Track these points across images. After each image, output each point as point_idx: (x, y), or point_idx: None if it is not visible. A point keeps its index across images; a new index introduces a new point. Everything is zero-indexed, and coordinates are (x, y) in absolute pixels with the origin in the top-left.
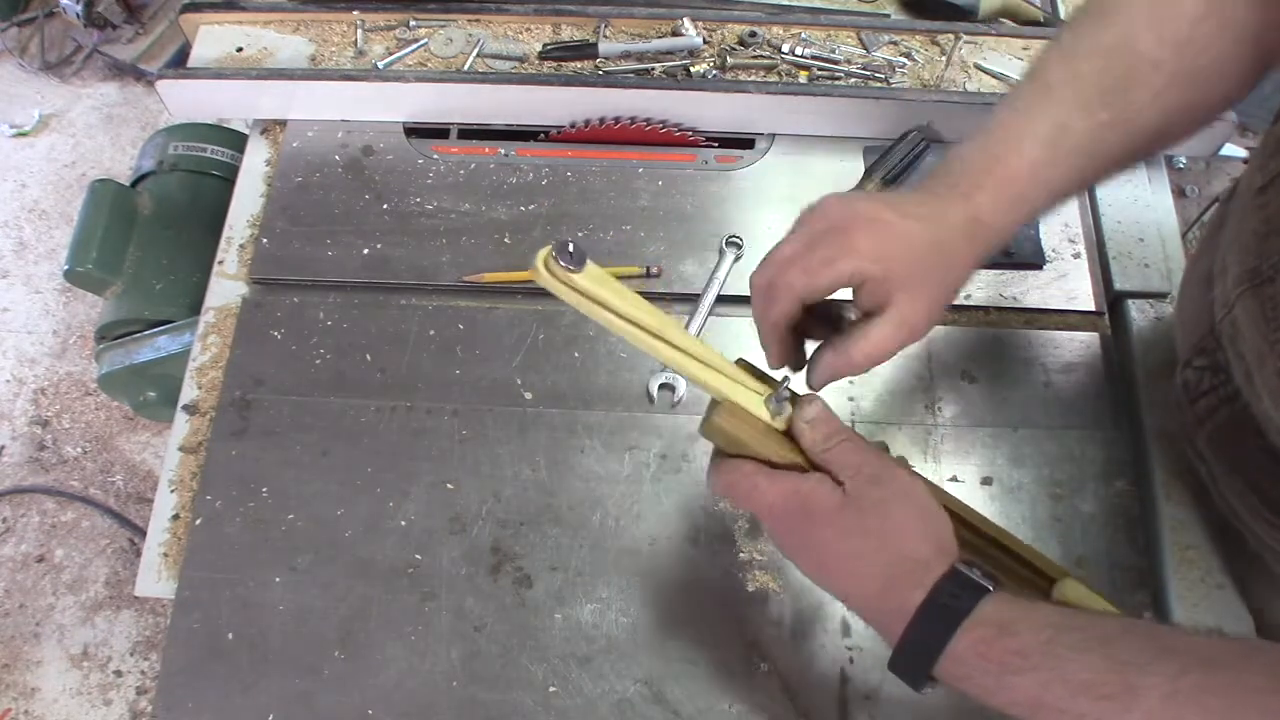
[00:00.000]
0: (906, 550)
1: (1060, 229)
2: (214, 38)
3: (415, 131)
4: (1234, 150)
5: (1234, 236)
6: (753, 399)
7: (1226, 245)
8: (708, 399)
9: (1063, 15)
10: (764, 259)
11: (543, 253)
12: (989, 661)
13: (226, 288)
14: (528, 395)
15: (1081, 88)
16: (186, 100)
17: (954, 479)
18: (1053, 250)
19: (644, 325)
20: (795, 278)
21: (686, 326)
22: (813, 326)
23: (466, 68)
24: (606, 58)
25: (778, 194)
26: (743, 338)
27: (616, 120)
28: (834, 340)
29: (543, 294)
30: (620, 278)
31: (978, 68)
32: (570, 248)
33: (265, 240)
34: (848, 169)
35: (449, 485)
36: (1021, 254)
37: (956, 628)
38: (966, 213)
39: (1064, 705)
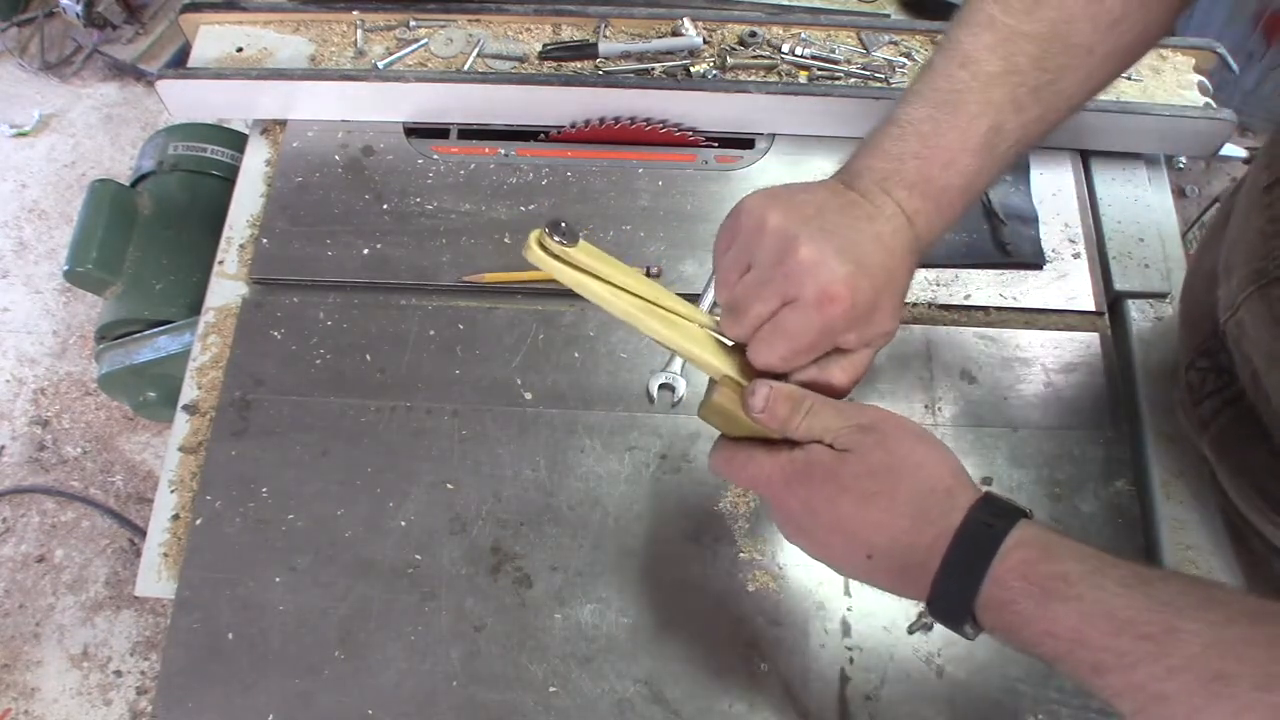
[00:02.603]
0: (926, 480)
1: (1060, 229)
2: (214, 38)
3: (415, 131)
4: (1234, 150)
5: (1239, 236)
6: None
7: (1231, 245)
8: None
9: None
10: (731, 304)
11: (535, 232)
12: (1032, 584)
13: (226, 288)
14: (528, 395)
15: (1016, 83)
16: (186, 100)
17: None
18: (1053, 250)
19: (641, 297)
20: (775, 354)
21: None
22: None
23: (466, 68)
24: (606, 58)
25: None
26: None
27: (616, 120)
28: (817, 363)
29: (543, 294)
30: None
31: None
32: (563, 225)
33: (265, 240)
34: None
35: (449, 485)
36: (1021, 254)
37: (998, 548)
38: (910, 242)
39: (1105, 642)
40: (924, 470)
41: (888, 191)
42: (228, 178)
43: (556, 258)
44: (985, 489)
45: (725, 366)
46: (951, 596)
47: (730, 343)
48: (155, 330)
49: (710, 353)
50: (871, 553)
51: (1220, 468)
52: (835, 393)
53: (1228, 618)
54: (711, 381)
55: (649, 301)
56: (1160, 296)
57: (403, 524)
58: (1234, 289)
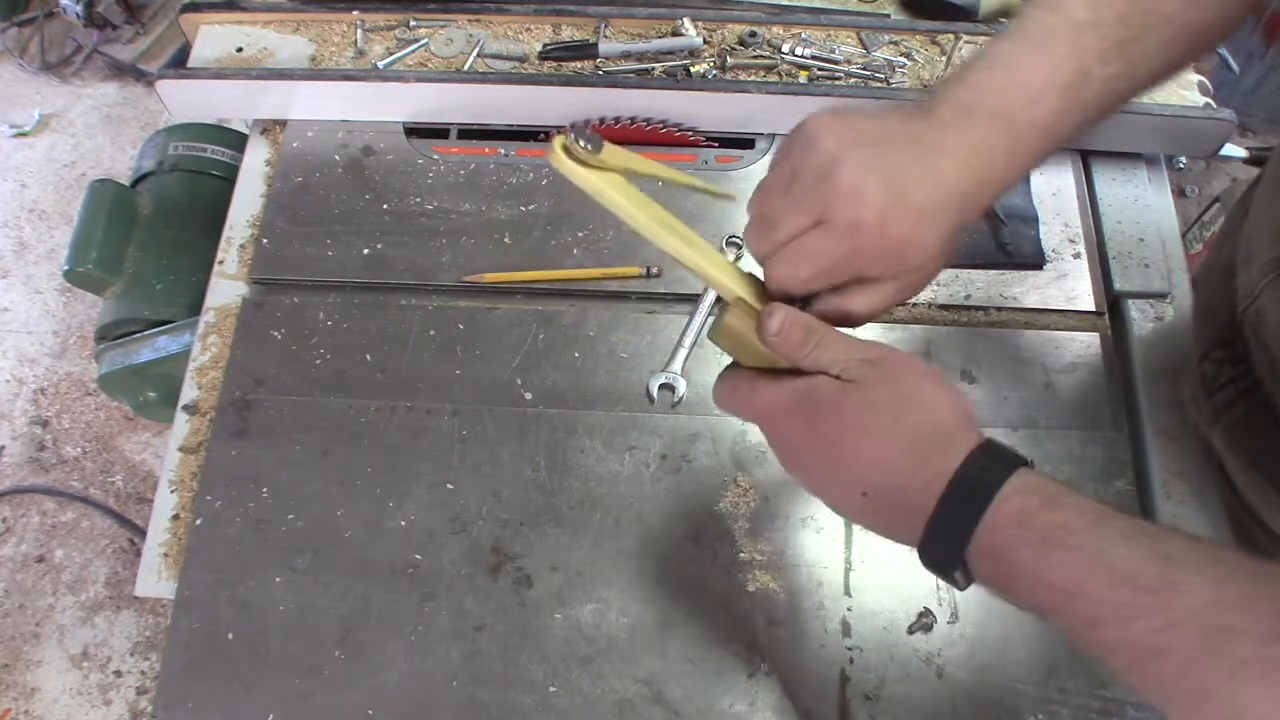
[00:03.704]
0: (929, 419)
1: (1060, 229)
2: (214, 38)
3: (415, 131)
4: (1234, 150)
5: (1259, 225)
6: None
7: (1251, 233)
8: (708, 397)
9: None
10: (761, 217)
11: (559, 138)
12: (1031, 532)
13: (226, 288)
14: (528, 395)
15: (1102, 34)
16: (186, 100)
17: None
18: (1053, 250)
19: (660, 220)
20: (793, 274)
21: (686, 327)
22: None
23: (466, 68)
24: (606, 58)
25: None
26: None
27: (616, 120)
28: (837, 289)
29: (543, 294)
30: (620, 278)
31: None
32: (588, 129)
33: (265, 240)
34: None
35: (449, 485)
36: (1021, 254)
37: (996, 493)
38: (976, 180)
39: (1104, 593)
40: (927, 409)
41: (964, 119)
42: (228, 178)
43: (583, 163)
44: (988, 437)
45: (741, 289)
46: (944, 541)
47: (748, 278)
48: (155, 330)
49: (727, 274)
50: (866, 490)
51: (1231, 459)
52: (852, 322)
53: (1230, 574)
54: (724, 305)
55: (669, 228)
56: (1160, 296)
57: (403, 524)
58: (1254, 277)
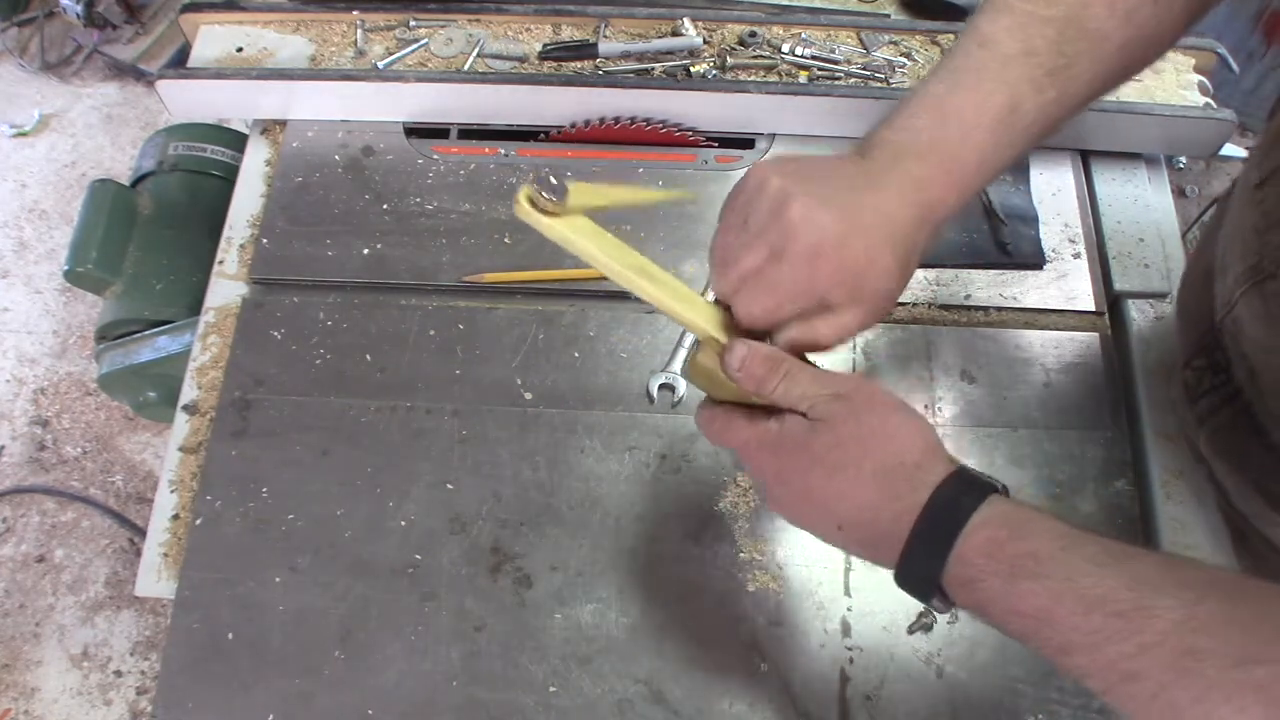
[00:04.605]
0: (895, 453)
1: (1060, 229)
2: (214, 38)
3: (415, 131)
4: (1234, 150)
5: (1233, 233)
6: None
7: (1226, 243)
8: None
9: None
10: (722, 258)
11: (525, 189)
12: (999, 563)
13: (226, 288)
14: (528, 395)
15: (1034, 64)
16: (186, 100)
17: None
18: (1053, 250)
19: (629, 264)
20: (759, 306)
21: None
22: None
23: (466, 68)
24: (606, 58)
25: None
26: None
27: (616, 120)
28: (802, 315)
29: (543, 294)
30: None
31: None
32: (552, 180)
33: (265, 240)
34: None
35: (449, 485)
36: (1021, 254)
37: (963, 526)
38: (919, 212)
39: (1075, 621)
40: (894, 442)
41: (900, 162)
42: (228, 178)
43: (548, 213)
44: (959, 463)
45: (711, 327)
46: (917, 573)
47: (721, 308)
48: (155, 330)
49: (696, 313)
50: (841, 524)
51: (1217, 466)
52: (819, 348)
53: (1201, 596)
54: (698, 343)
55: (636, 270)
56: (1160, 296)
57: (403, 524)
58: (1229, 286)
